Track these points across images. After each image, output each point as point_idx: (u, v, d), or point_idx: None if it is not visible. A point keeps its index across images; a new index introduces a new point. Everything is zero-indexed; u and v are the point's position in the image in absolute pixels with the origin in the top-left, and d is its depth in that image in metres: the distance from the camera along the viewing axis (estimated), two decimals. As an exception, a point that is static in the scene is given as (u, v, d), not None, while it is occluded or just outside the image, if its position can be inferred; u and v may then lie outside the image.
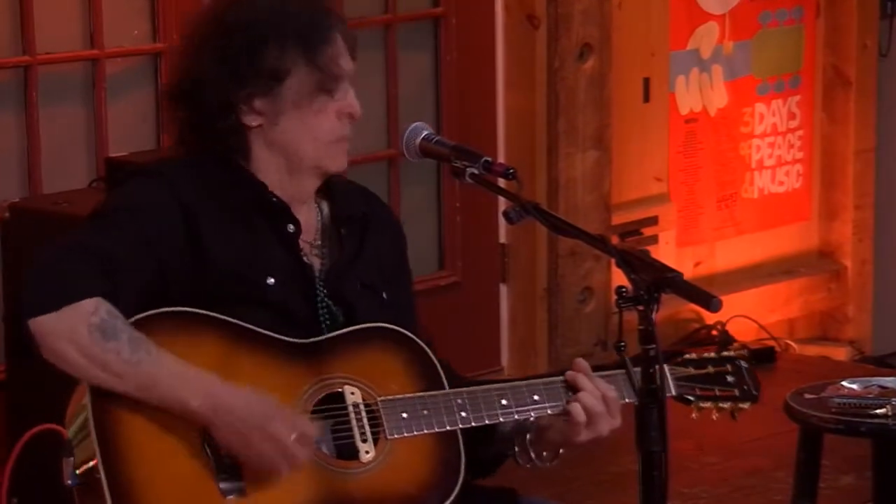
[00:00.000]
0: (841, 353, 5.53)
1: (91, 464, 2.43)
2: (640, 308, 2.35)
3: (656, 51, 5.19)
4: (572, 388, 2.59)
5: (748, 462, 4.31)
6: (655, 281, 2.35)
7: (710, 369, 2.70)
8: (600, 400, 2.57)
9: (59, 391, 2.62)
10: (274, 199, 2.59)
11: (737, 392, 2.69)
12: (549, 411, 2.59)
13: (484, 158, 2.53)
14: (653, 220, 5.25)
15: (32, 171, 4.20)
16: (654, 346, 2.34)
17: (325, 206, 2.68)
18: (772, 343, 5.23)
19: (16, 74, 4.19)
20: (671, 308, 4.93)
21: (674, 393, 2.65)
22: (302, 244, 2.62)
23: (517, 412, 2.58)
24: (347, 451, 2.52)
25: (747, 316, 5.25)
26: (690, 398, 2.66)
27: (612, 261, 2.41)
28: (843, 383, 3.59)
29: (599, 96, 5.00)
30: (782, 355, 5.22)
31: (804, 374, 4.79)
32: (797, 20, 5.55)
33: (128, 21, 4.34)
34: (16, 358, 2.47)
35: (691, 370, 2.69)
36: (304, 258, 2.61)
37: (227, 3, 2.61)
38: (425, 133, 2.61)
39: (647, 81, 5.18)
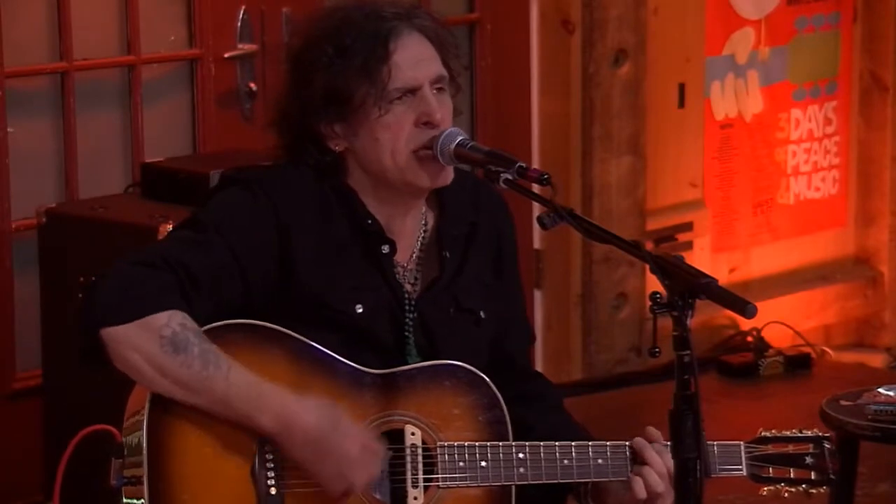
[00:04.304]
0: (877, 360, 5.50)
1: (138, 475, 2.44)
2: (675, 314, 2.34)
3: (692, 56, 5.18)
4: (638, 458, 2.57)
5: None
6: (690, 287, 2.34)
7: (790, 449, 2.66)
8: (664, 476, 2.55)
9: (95, 396, 2.63)
10: (369, 221, 2.56)
11: (813, 475, 2.66)
12: (610, 477, 2.57)
13: (518, 164, 2.52)
14: (688, 226, 5.23)
15: (69, 176, 4.22)
16: (688, 352, 2.33)
17: (430, 221, 2.63)
18: (808, 349, 5.21)
19: (53, 80, 4.22)
20: (706, 314, 4.92)
21: (745, 472, 2.63)
22: (397, 266, 2.59)
23: (578, 474, 2.55)
24: (396, 494, 2.50)
25: (783, 322, 5.23)
26: (762, 478, 2.63)
27: (647, 267, 2.40)
28: (880, 390, 3.57)
29: (634, 102, 5.00)
30: (818, 362, 5.19)
31: (840, 380, 4.76)
32: (834, 25, 5.52)
33: (164, 27, 4.36)
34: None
35: (769, 449, 2.65)
36: (397, 282, 2.58)
37: (297, 34, 2.62)
38: (460, 138, 2.59)
39: (682, 87, 5.17)
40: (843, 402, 3.55)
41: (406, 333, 2.57)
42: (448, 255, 2.61)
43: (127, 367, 2.45)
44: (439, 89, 2.58)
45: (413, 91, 2.55)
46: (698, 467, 2.33)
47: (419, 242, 2.62)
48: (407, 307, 2.58)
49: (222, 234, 2.50)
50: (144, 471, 2.43)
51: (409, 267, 2.61)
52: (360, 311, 2.54)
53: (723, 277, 5.22)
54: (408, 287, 2.60)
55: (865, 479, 3.96)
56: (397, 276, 2.59)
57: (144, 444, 2.43)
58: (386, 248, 2.57)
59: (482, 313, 2.63)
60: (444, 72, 2.58)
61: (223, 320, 2.49)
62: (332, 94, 2.54)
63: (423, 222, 2.63)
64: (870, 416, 3.48)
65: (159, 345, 2.42)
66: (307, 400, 2.46)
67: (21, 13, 4.16)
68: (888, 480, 4.18)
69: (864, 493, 3.91)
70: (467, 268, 2.63)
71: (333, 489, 2.46)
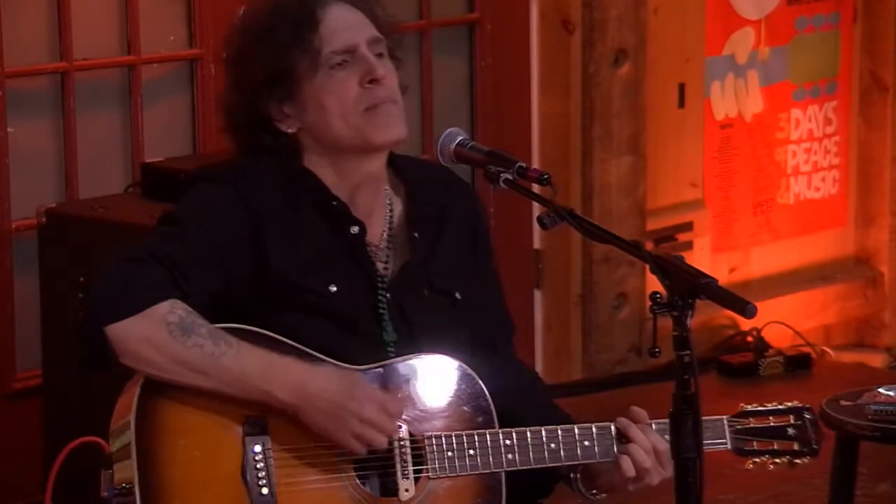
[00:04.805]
0: (877, 360, 5.50)
1: (128, 485, 2.44)
2: (675, 314, 2.34)
3: (692, 56, 5.18)
4: (623, 437, 2.58)
5: (784, 469, 4.30)
6: (690, 287, 2.34)
7: (772, 421, 2.67)
8: (651, 453, 2.56)
9: (95, 396, 2.63)
10: (334, 203, 2.58)
11: (796, 446, 2.67)
12: (597, 458, 2.58)
13: (518, 164, 2.53)
14: (688, 226, 5.23)
15: (69, 176, 4.22)
16: (688, 352, 2.33)
17: (397, 205, 2.65)
18: (808, 349, 5.20)
19: (53, 80, 4.21)
20: (706, 314, 4.91)
21: (730, 446, 2.64)
22: (369, 245, 2.60)
23: (565, 457, 2.56)
24: (388, 488, 2.51)
25: (783, 322, 5.23)
26: (747, 451, 2.64)
27: (647, 267, 2.40)
28: (880, 390, 3.57)
29: (634, 102, 5.00)
30: (818, 362, 5.19)
31: (840, 380, 4.76)
32: (834, 25, 5.52)
33: (164, 27, 4.36)
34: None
35: (751, 422, 2.66)
36: (370, 261, 2.60)
37: (228, 32, 2.64)
38: (460, 138, 2.60)
39: (682, 87, 5.17)
40: (843, 402, 3.55)
41: (381, 311, 2.58)
42: (417, 235, 2.62)
43: (137, 360, 2.45)
44: (379, 55, 2.59)
45: (351, 52, 2.57)
46: (698, 467, 2.33)
47: (387, 223, 2.63)
48: (380, 287, 2.59)
49: (200, 227, 2.52)
50: (135, 479, 2.43)
51: (380, 246, 2.62)
52: (334, 290, 2.55)
53: (723, 277, 5.22)
54: (379, 266, 2.60)
55: (865, 479, 3.96)
56: (370, 255, 2.60)
57: (133, 454, 2.43)
58: (355, 229, 2.58)
59: (458, 294, 2.64)
60: (379, 35, 2.60)
61: (210, 316, 2.49)
62: (271, 74, 2.56)
63: (388, 202, 2.64)
64: (870, 416, 3.47)
65: (168, 331, 2.43)
66: (320, 368, 2.48)
67: (21, 13, 4.16)
68: (888, 480, 4.17)
69: (864, 493, 3.91)
70: (440, 250, 2.64)
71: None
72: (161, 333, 2.43)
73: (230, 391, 2.45)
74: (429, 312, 2.61)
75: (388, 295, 2.59)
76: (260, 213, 2.54)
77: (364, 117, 2.56)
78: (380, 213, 2.63)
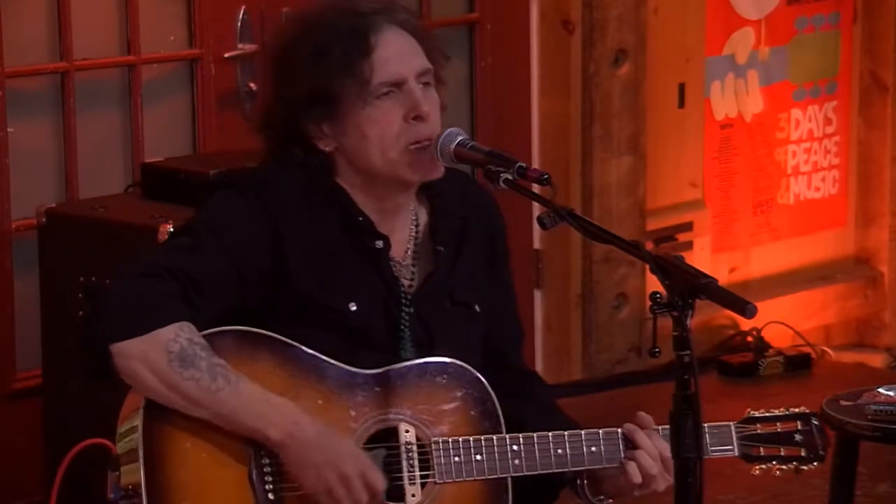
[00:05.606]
0: (877, 360, 5.51)
1: (135, 488, 2.45)
2: (675, 314, 2.34)
3: (692, 56, 5.18)
4: (630, 443, 2.58)
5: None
6: (690, 287, 2.34)
7: (778, 427, 2.68)
8: (657, 459, 2.57)
9: (95, 396, 2.63)
10: (360, 219, 2.57)
11: (803, 452, 2.68)
12: (604, 464, 2.58)
13: (518, 164, 2.53)
14: (688, 226, 5.23)
15: (69, 176, 4.22)
16: (688, 352, 2.33)
17: (422, 217, 2.64)
18: (808, 349, 5.21)
19: (53, 80, 4.21)
20: (706, 314, 4.91)
21: (737, 453, 2.65)
22: (392, 261, 2.60)
23: (572, 462, 2.57)
24: (394, 492, 2.51)
25: (783, 322, 5.23)
26: (753, 457, 2.65)
27: (647, 267, 2.40)
28: (880, 390, 3.57)
29: (634, 102, 5.00)
30: (818, 362, 5.19)
31: (840, 380, 4.77)
32: (834, 25, 5.52)
33: (164, 27, 4.36)
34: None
35: (757, 428, 2.66)
36: (393, 276, 2.59)
37: (276, 37, 2.63)
38: (460, 138, 2.60)
39: (682, 87, 5.17)
40: (843, 402, 3.55)
41: (402, 327, 2.58)
42: (442, 249, 2.62)
43: (135, 380, 2.46)
44: (425, 84, 2.58)
45: (398, 85, 2.55)
46: (698, 467, 2.33)
47: (412, 238, 2.63)
48: (403, 302, 2.59)
49: (217, 236, 2.51)
50: (142, 483, 2.43)
51: (404, 262, 2.62)
52: (354, 308, 2.55)
53: (723, 277, 5.22)
54: (405, 282, 2.60)
55: (865, 479, 3.96)
56: (393, 270, 2.59)
57: (141, 457, 2.44)
58: (380, 244, 2.58)
59: (477, 307, 2.65)
60: (428, 65, 2.59)
61: (224, 324, 2.49)
62: (316, 93, 2.54)
63: (414, 218, 2.64)
64: (870, 416, 3.47)
65: (167, 360, 2.43)
66: (315, 421, 2.47)
67: (21, 13, 4.16)
68: (888, 480, 4.17)
69: (864, 493, 3.91)
70: (461, 262, 2.64)
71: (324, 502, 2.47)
72: (160, 360, 2.43)
73: (222, 425, 2.45)
74: (449, 325, 2.61)
75: (411, 310, 2.59)
76: (281, 225, 2.53)
77: (404, 154, 2.55)
78: (405, 226, 2.62)
